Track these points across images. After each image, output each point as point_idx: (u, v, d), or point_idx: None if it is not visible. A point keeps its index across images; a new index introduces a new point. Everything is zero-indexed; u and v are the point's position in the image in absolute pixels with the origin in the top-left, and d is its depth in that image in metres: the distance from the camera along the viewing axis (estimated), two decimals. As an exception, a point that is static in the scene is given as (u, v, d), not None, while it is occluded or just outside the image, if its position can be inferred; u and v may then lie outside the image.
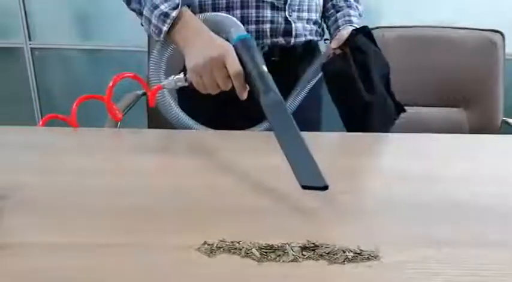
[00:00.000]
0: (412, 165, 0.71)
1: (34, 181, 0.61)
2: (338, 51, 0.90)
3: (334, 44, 0.90)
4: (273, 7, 0.90)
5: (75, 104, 0.82)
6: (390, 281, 0.42)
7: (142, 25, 0.84)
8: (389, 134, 0.93)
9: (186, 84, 0.78)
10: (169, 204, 0.56)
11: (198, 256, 0.45)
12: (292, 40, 0.93)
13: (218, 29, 0.80)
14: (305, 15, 0.95)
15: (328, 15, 1.00)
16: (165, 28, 0.78)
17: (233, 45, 0.74)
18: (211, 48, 0.73)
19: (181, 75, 0.78)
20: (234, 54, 0.72)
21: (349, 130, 0.91)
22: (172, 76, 0.80)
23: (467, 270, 0.44)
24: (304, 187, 0.52)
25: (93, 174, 0.64)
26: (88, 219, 0.52)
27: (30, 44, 1.94)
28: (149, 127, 1.55)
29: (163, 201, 0.57)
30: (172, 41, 0.81)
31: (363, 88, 0.86)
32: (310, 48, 1.00)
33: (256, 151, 0.75)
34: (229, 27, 0.77)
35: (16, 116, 2.02)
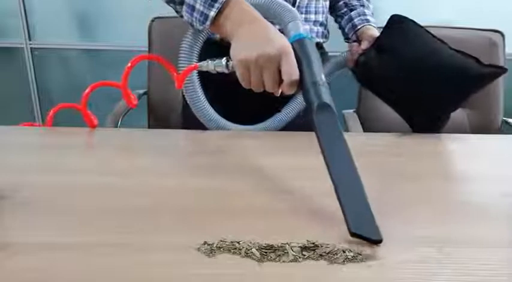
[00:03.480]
0: (412, 166, 0.71)
1: (34, 181, 0.61)
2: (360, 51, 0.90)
3: (365, 45, 0.89)
4: None
5: (88, 89, 0.80)
6: (390, 281, 0.42)
7: (181, 17, 0.76)
8: (389, 134, 0.93)
9: (226, 71, 0.70)
10: (169, 204, 0.56)
11: (198, 256, 0.45)
12: None
13: (272, 18, 0.71)
14: (312, 17, 0.95)
15: (340, 14, 1.00)
16: (212, 13, 0.69)
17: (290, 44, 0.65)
18: (268, 44, 0.63)
19: (224, 60, 0.69)
20: (293, 57, 0.63)
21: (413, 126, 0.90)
22: (212, 59, 0.71)
23: (467, 270, 0.44)
24: (354, 234, 0.47)
25: (93, 174, 0.64)
26: (88, 219, 0.52)
27: (30, 44, 1.94)
28: (149, 127, 1.55)
29: (163, 201, 0.57)
30: (218, 29, 0.72)
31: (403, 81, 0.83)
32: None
33: (256, 151, 0.75)
34: (286, 20, 0.68)
35: (16, 116, 2.02)
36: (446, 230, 0.51)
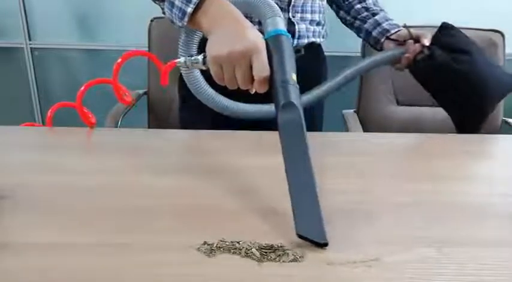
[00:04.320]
0: (412, 166, 0.71)
1: (34, 181, 0.61)
2: (418, 49, 0.91)
3: (427, 42, 0.91)
4: None
5: (83, 88, 0.80)
6: (390, 281, 0.42)
7: (164, 14, 0.76)
8: (389, 134, 0.93)
9: (204, 68, 0.69)
10: (170, 204, 0.56)
11: (198, 256, 0.45)
12: (295, 41, 0.93)
13: (252, 14, 0.69)
14: (308, 16, 0.95)
15: (361, 18, 1.01)
16: (189, 9, 0.69)
17: (265, 40, 0.64)
18: (240, 40, 0.63)
19: (200, 57, 0.69)
20: (265, 53, 0.62)
21: (460, 127, 0.93)
22: (190, 56, 0.71)
23: (467, 270, 0.44)
24: (301, 236, 0.48)
25: (93, 174, 0.64)
26: (88, 219, 0.52)
27: (30, 44, 1.93)
28: (149, 127, 1.55)
29: (163, 201, 0.57)
30: (196, 25, 0.72)
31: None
32: (313, 50, 1.00)
33: (256, 151, 0.75)
34: (266, 16, 0.67)
35: (16, 116, 2.02)
36: (445, 230, 0.51)
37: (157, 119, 1.55)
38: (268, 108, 0.81)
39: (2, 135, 0.82)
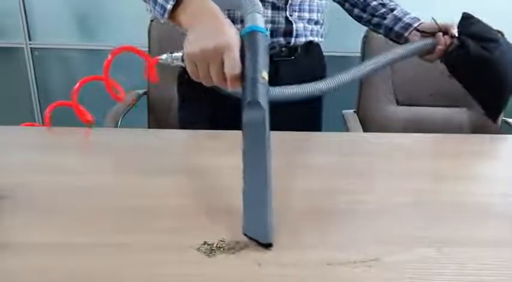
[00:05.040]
0: (412, 166, 0.71)
1: (34, 181, 0.61)
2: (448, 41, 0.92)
3: (456, 33, 0.91)
4: (274, 7, 0.90)
5: (78, 85, 0.80)
6: (390, 281, 0.42)
7: (150, 12, 0.77)
8: (389, 134, 0.93)
9: (183, 65, 0.69)
10: (169, 204, 0.56)
11: (198, 256, 0.45)
12: (293, 40, 0.93)
13: (235, 9, 0.69)
14: (306, 15, 0.95)
15: (379, 14, 1.02)
16: (169, 6, 0.70)
17: (240, 37, 0.64)
18: (213, 37, 0.63)
19: (180, 54, 0.70)
20: (237, 51, 0.62)
21: (489, 112, 0.94)
22: (171, 52, 0.71)
23: (467, 270, 0.44)
24: (246, 235, 0.49)
25: (93, 174, 0.64)
26: (88, 219, 0.52)
27: (30, 44, 1.93)
28: (149, 127, 1.55)
29: (163, 201, 0.57)
30: (177, 22, 0.72)
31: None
32: (311, 49, 1.00)
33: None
34: (246, 12, 0.66)
35: (16, 116, 2.02)
36: (445, 230, 0.51)
37: (157, 119, 1.55)
38: (291, 90, 0.78)
39: (2, 135, 0.82)
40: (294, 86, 0.75)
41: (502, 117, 1.52)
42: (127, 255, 0.45)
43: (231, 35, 0.63)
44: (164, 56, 0.72)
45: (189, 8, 0.69)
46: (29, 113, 2.04)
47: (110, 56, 0.79)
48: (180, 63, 0.70)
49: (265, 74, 0.60)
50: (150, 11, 0.76)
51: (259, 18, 0.66)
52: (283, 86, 0.71)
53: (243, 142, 0.56)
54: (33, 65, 1.98)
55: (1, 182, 0.60)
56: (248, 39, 0.63)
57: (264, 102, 0.58)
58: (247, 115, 0.57)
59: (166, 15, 0.71)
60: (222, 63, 0.63)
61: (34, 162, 0.69)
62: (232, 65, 0.61)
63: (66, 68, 1.98)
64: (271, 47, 0.93)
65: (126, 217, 0.52)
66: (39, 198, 0.57)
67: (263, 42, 0.63)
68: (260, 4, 0.67)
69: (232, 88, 0.64)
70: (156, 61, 0.75)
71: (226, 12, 0.88)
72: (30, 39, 1.94)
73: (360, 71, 0.84)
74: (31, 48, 1.95)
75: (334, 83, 0.79)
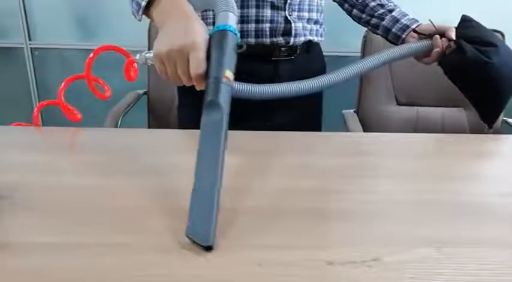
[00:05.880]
0: (412, 166, 0.71)
1: (34, 181, 0.61)
2: (446, 43, 0.91)
3: (453, 35, 0.91)
4: (273, 6, 0.90)
5: (63, 84, 0.83)
6: (390, 281, 0.42)
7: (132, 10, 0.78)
8: (390, 134, 0.93)
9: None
10: (168, 204, 0.56)
11: (198, 256, 0.45)
12: (292, 40, 0.93)
13: (209, 8, 0.69)
14: (305, 14, 0.95)
15: (378, 15, 1.01)
16: (143, 3, 0.70)
17: (209, 35, 0.63)
18: (180, 37, 0.63)
19: (151, 53, 0.69)
20: (202, 49, 0.61)
21: (485, 117, 0.94)
22: (146, 51, 0.72)
23: (467, 270, 0.44)
24: (188, 237, 0.47)
25: (93, 175, 0.64)
26: (88, 219, 0.52)
27: (30, 44, 1.94)
28: (149, 127, 1.55)
29: (162, 201, 0.57)
30: (152, 19, 0.73)
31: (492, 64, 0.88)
32: (310, 48, 1.00)
33: (255, 150, 0.74)
34: (218, 10, 0.66)
35: (16, 116, 2.02)
36: (445, 230, 0.51)
37: (157, 119, 1.55)
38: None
39: (2, 135, 0.82)
40: (266, 85, 0.72)
41: (502, 117, 1.52)
42: (126, 255, 0.45)
43: (198, 34, 0.63)
44: (138, 56, 0.73)
45: (161, 5, 0.70)
46: (29, 113, 2.04)
47: (92, 54, 0.80)
48: (152, 62, 0.69)
49: (229, 74, 0.60)
50: (131, 8, 0.77)
51: (231, 17, 0.65)
52: (254, 84, 0.69)
53: (200, 141, 0.56)
54: (33, 65, 1.98)
55: (1, 182, 0.60)
56: (216, 38, 0.62)
57: (224, 102, 0.58)
58: (206, 115, 0.57)
59: (140, 12, 0.72)
60: (188, 63, 0.63)
61: (34, 162, 0.69)
62: (196, 64, 0.61)
63: (66, 68, 1.98)
64: (271, 46, 0.93)
65: (125, 217, 0.52)
66: (38, 198, 0.57)
67: (231, 42, 0.63)
68: (235, 4, 0.67)
69: (198, 87, 0.64)
70: (132, 61, 0.76)
71: (200, 13, 0.88)
72: (30, 39, 1.94)
73: (347, 73, 0.82)
74: (31, 48, 1.95)
75: (314, 84, 0.77)
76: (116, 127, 1.32)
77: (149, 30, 1.50)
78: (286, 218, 0.53)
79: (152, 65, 0.70)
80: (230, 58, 0.61)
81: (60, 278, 0.42)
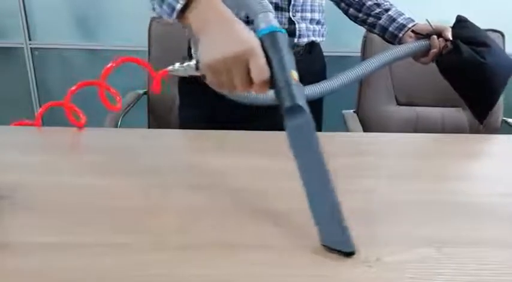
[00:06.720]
0: (412, 166, 0.71)
1: (34, 181, 0.61)
2: (443, 43, 0.92)
3: (450, 36, 0.91)
4: (277, 7, 0.90)
5: (75, 87, 0.81)
6: (390, 281, 0.42)
7: (154, 10, 0.73)
8: (389, 134, 0.93)
9: (198, 74, 0.66)
10: (168, 204, 0.56)
11: (198, 256, 0.45)
12: (296, 40, 0.93)
13: (241, 10, 0.67)
14: (308, 15, 0.95)
15: (374, 14, 1.02)
16: (178, 6, 0.65)
17: (259, 38, 0.60)
18: (233, 43, 0.60)
19: (193, 63, 0.67)
20: (261, 54, 0.59)
21: (477, 114, 0.96)
22: (181, 63, 0.69)
23: (467, 270, 0.44)
24: (325, 246, 0.47)
25: (93, 175, 0.64)
26: (88, 219, 0.52)
27: (30, 44, 1.93)
28: (149, 127, 1.55)
29: (163, 201, 0.57)
30: (185, 23, 0.68)
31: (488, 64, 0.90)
32: (312, 49, 1.00)
33: (255, 151, 0.74)
34: (257, 11, 0.63)
35: (16, 116, 2.02)
36: (445, 230, 0.51)
37: (157, 119, 1.55)
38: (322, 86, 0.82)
39: (2, 135, 0.82)
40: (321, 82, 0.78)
41: (502, 117, 1.52)
42: (126, 255, 0.45)
43: (252, 38, 0.60)
44: (176, 66, 0.69)
45: (199, 10, 0.65)
46: (29, 113, 2.04)
47: (111, 63, 0.77)
48: (194, 72, 0.67)
49: (295, 74, 0.58)
50: (154, 9, 0.73)
51: (272, 17, 0.63)
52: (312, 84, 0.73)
53: (292, 149, 0.54)
54: (33, 65, 1.97)
55: (1, 182, 0.60)
56: (269, 41, 0.60)
57: (304, 103, 0.56)
58: (290, 123, 0.55)
59: (174, 15, 0.67)
60: (247, 70, 0.60)
61: (34, 162, 0.69)
62: (260, 70, 0.58)
63: (66, 68, 1.98)
64: (292, 46, 0.93)
65: (124, 217, 0.52)
66: (38, 198, 0.57)
67: (285, 42, 0.61)
68: (268, 3, 0.64)
69: (260, 93, 0.61)
70: (164, 73, 0.72)
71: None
72: (30, 39, 1.94)
73: (355, 74, 0.85)
74: (31, 48, 1.95)
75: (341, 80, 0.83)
76: (116, 127, 1.32)
77: (149, 30, 1.50)
78: (287, 218, 0.53)
79: (190, 75, 0.68)
80: (289, 58, 0.59)
81: (60, 278, 0.42)
